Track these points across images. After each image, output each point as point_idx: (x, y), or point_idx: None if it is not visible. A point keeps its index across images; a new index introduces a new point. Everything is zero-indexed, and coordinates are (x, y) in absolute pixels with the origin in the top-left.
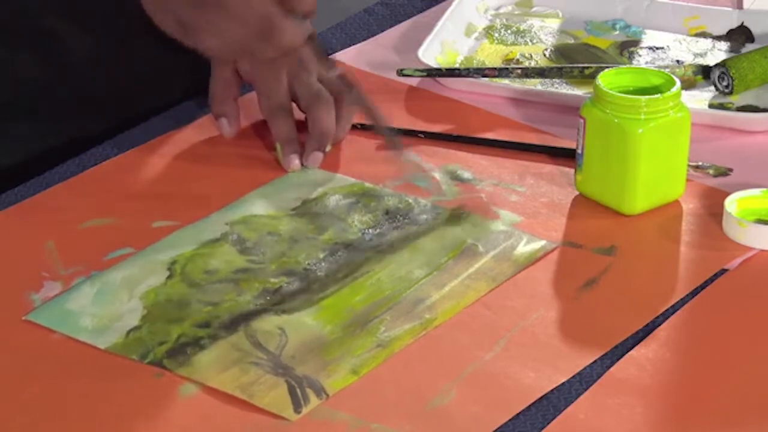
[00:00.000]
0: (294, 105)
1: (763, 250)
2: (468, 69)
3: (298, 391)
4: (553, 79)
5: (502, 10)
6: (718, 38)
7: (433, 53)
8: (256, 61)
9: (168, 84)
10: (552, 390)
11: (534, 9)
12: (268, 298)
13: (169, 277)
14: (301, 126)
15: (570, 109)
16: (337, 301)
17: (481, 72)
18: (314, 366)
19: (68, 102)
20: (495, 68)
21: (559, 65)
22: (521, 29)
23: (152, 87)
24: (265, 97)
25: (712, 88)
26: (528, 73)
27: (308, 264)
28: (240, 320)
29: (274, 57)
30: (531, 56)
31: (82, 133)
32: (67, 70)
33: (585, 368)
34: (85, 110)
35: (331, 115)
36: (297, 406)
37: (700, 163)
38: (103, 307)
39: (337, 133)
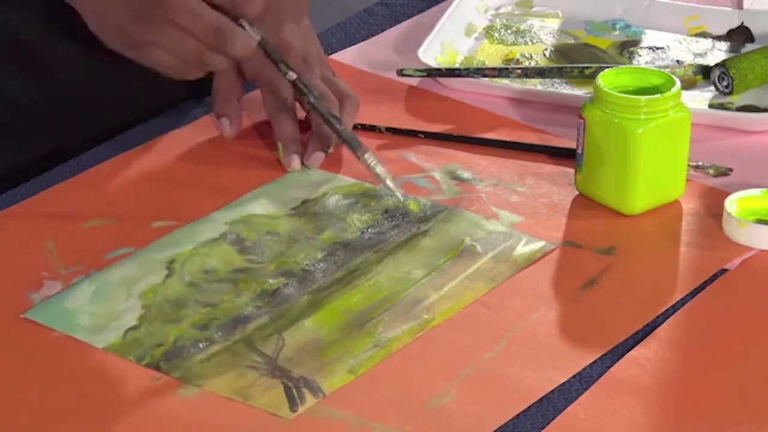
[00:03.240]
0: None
1: (763, 250)
2: (468, 69)
3: (294, 391)
4: (553, 79)
5: (502, 10)
6: (718, 38)
7: (433, 53)
8: (261, 60)
9: (168, 84)
10: (552, 390)
11: (534, 9)
12: (266, 300)
13: (168, 276)
14: (303, 126)
15: (570, 109)
16: (335, 303)
17: (481, 72)
18: (311, 367)
19: (62, 117)
20: (495, 68)
21: (559, 65)
22: (521, 29)
23: (152, 87)
24: (270, 96)
25: (712, 88)
26: (528, 73)
27: (307, 264)
28: (237, 323)
29: (227, 66)
30: (531, 56)
31: (76, 145)
32: (59, 83)
33: (585, 368)
34: (79, 124)
35: None
36: (293, 406)
37: (700, 163)
38: (101, 306)
39: None
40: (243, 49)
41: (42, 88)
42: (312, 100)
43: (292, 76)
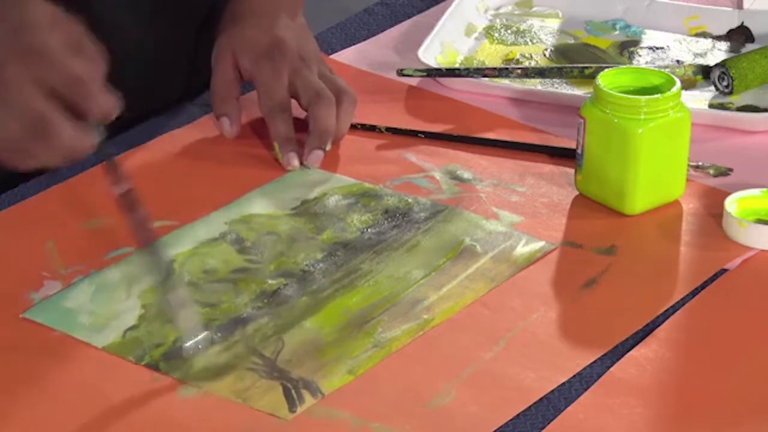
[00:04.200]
0: (294, 103)
1: (763, 250)
2: (468, 69)
3: (293, 392)
4: (553, 79)
5: (502, 10)
6: (718, 38)
7: (433, 53)
8: (257, 58)
9: (168, 84)
10: (552, 390)
11: (534, 9)
12: (266, 301)
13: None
14: (300, 125)
15: (570, 109)
16: (335, 304)
17: (481, 72)
18: (310, 368)
19: None
20: (495, 68)
21: (559, 65)
22: (521, 29)
23: (152, 87)
24: (265, 96)
25: (712, 88)
26: (528, 73)
27: (306, 265)
28: (237, 324)
29: (54, 162)
30: (531, 56)
31: None
32: None
33: (585, 368)
34: None
35: (332, 114)
36: (292, 406)
37: (700, 163)
38: (101, 305)
39: (337, 131)
40: (69, 146)
41: None
42: (135, 217)
43: (123, 187)
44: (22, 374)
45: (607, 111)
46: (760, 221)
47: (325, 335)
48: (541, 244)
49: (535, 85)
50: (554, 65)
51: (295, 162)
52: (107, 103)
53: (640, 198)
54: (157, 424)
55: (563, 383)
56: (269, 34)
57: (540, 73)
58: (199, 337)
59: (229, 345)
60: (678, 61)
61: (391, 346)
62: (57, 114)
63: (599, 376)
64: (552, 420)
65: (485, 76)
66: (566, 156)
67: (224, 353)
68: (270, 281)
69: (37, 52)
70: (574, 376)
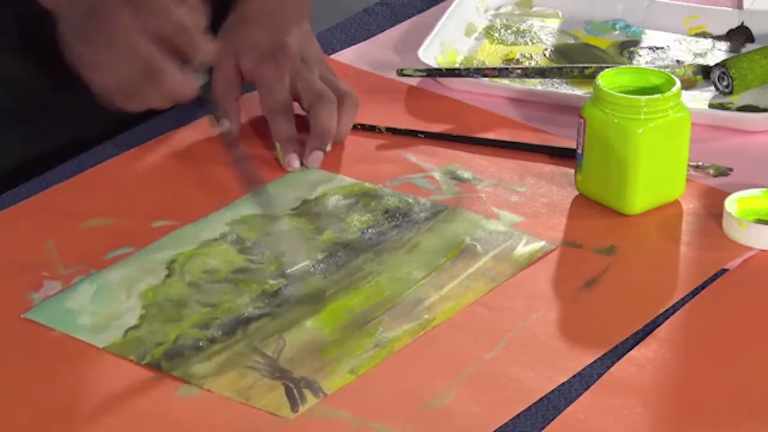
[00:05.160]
0: (296, 104)
1: (763, 250)
2: (468, 69)
3: (295, 392)
4: (553, 79)
5: (502, 10)
6: (718, 38)
7: (433, 53)
8: (259, 59)
9: None
10: (552, 390)
11: (534, 9)
12: (267, 301)
13: (168, 276)
14: (302, 125)
15: (570, 109)
16: (336, 304)
17: (481, 72)
18: (312, 367)
19: (67, 105)
20: (495, 68)
21: (559, 65)
22: (521, 29)
23: None
24: (267, 96)
25: (712, 88)
26: (528, 73)
27: (307, 265)
28: (238, 324)
29: (162, 105)
30: (531, 56)
31: (81, 135)
32: (65, 73)
33: (585, 368)
34: (84, 113)
35: (333, 115)
36: (294, 406)
37: (700, 163)
38: (102, 306)
39: (338, 133)
40: (177, 91)
41: (48, 75)
42: (236, 154)
43: (225, 124)
44: (22, 374)
45: (607, 111)
46: (760, 221)
47: (326, 335)
48: (542, 243)
49: (535, 85)
50: (554, 65)
51: (296, 163)
52: (209, 49)
53: (640, 198)
54: (157, 424)
55: (563, 383)
56: (272, 36)
57: (540, 73)
58: (301, 264)
59: (231, 344)
60: (678, 61)
61: (392, 345)
62: (165, 59)
63: (599, 376)
64: (552, 420)
65: (485, 76)
66: (566, 156)
67: (225, 352)
68: (271, 281)
69: (145, 2)
70: (574, 376)
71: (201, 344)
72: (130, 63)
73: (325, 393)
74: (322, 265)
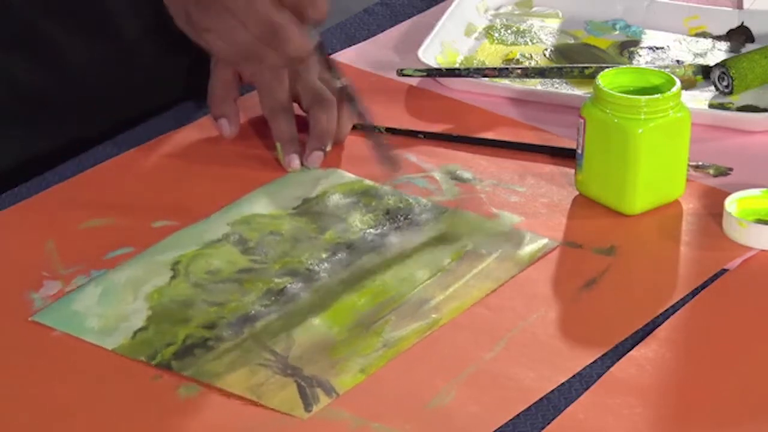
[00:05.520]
0: (295, 104)
1: (763, 250)
2: (468, 69)
3: (307, 390)
4: (553, 79)
5: (502, 10)
6: (718, 38)
7: (433, 53)
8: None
9: (168, 84)
10: (552, 390)
11: (534, 9)
12: (273, 299)
13: (173, 277)
14: (302, 125)
15: (570, 109)
16: (343, 303)
17: (481, 72)
18: (322, 366)
19: (67, 105)
20: (495, 68)
21: (559, 65)
22: (521, 29)
23: (152, 87)
24: (267, 97)
25: (712, 88)
26: (528, 73)
27: (311, 264)
28: (246, 322)
29: (281, 64)
30: (531, 56)
31: (81, 135)
32: (65, 73)
33: (585, 368)
34: (85, 113)
35: (333, 115)
36: (307, 405)
37: (700, 163)
38: (109, 308)
39: (338, 133)
40: (297, 50)
41: (48, 74)
42: (359, 108)
43: (343, 82)
44: (22, 374)
45: (607, 111)
46: (760, 221)
47: (335, 334)
48: (545, 240)
49: (535, 85)
50: (554, 65)
51: (296, 163)
52: (324, 8)
53: (640, 198)
54: (157, 424)
55: (563, 383)
56: None
57: (540, 73)
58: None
59: (240, 342)
60: (678, 61)
61: (400, 345)
62: (286, 19)
63: (599, 376)
64: (552, 420)
65: (485, 76)
66: (566, 156)
67: (235, 350)
68: (276, 280)
69: None
70: (574, 376)
71: (210, 343)
72: (252, 25)
73: (338, 393)
74: (326, 265)
